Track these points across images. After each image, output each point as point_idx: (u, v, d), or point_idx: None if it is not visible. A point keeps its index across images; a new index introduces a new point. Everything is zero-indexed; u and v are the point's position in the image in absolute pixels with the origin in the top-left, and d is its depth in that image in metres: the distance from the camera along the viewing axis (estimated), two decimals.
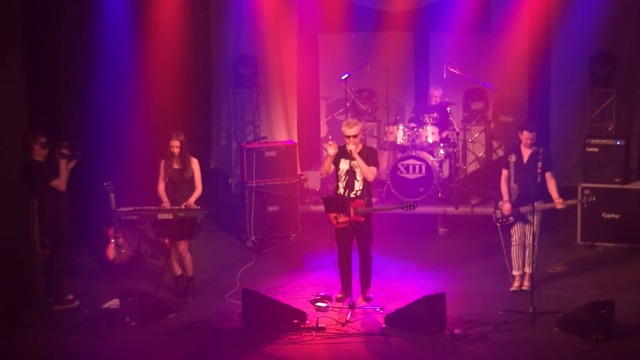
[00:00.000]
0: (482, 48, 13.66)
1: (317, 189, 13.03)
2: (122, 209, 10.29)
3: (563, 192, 10.16)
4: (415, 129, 12.87)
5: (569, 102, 13.50)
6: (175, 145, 10.16)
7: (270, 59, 14.27)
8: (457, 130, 13.14)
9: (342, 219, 9.64)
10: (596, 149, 11.89)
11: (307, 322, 9.29)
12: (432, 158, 12.80)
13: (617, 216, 11.65)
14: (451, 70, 13.15)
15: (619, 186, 11.68)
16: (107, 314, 9.64)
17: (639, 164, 12.68)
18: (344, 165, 9.74)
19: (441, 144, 12.94)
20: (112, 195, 10.71)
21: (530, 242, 10.01)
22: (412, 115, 13.42)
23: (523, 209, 9.96)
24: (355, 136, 9.66)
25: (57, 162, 9.84)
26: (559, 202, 9.94)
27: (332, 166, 9.80)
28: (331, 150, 9.69)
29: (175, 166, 10.24)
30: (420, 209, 10.64)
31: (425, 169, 12.60)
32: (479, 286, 10.41)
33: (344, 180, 9.73)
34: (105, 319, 9.45)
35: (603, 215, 11.70)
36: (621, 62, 13.15)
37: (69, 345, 9.01)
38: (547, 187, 9.96)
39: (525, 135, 9.95)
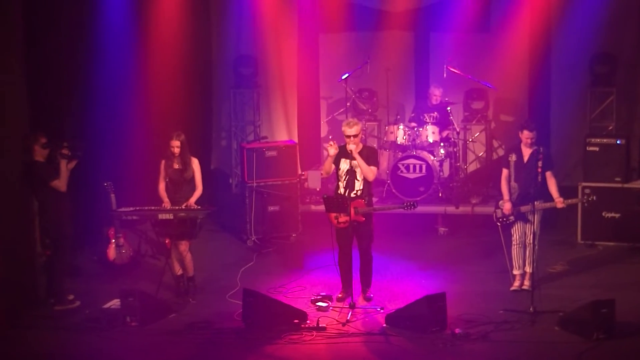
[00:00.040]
0: (483, 48, 13.66)
1: (318, 189, 13.03)
2: (123, 209, 10.29)
3: (563, 192, 10.16)
4: (415, 129, 12.87)
5: (569, 101, 13.50)
6: (176, 145, 10.16)
7: (271, 59, 14.27)
8: (458, 129, 13.14)
9: (343, 218, 9.64)
10: (596, 148, 11.89)
11: (308, 322, 9.29)
12: (432, 157, 12.80)
13: (617, 215, 11.64)
14: (451, 69, 13.15)
15: (619, 185, 11.67)
16: (107, 314, 9.64)
17: None
18: (344, 165, 9.74)
19: (441, 144, 12.94)
20: (112, 195, 10.71)
21: (531, 241, 10.01)
22: (413, 114, 13.42)
23: (523, 208, 9.96)
24: (355, 136, 9.66)
25: (57, 163, 9.85)
26: (559, 202, 9.94)
27: (333, 166, 9.80)
28: (332, 150, 9.69)
29: (176, 166, 10.24)
30: (420, 209, 10.63)
31: (425, 168, 12.60)
32: (479, 285, 10.40)
33: (345, 180, 9.73)
34: (105, 319, 9.45)
35: (603, 214, 11.70)
36: (621, 61, 13.16)
37: (70, 345, 9.01)
38: (547, 187, 9.96)
39: (526, 135, 9.95)
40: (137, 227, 11.89)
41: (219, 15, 14.30)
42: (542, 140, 10.86)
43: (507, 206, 10.04)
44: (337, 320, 9.36)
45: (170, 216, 9.98)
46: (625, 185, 11.68)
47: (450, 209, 12.54)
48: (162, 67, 12.74)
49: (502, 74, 13.46)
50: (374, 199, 10.09)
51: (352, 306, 9.54)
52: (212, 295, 10.26)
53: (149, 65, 12.59)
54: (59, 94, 11.20)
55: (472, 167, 13.84)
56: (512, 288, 10.13)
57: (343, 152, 9.71)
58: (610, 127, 13.03)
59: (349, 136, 9.64)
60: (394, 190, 12.68)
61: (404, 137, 12.84)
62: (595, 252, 11.60)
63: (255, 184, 12.12)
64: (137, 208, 10.21)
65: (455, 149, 13.04)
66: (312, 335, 9.01)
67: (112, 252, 11.14)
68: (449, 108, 13.11)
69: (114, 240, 11.14)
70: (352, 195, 9.68)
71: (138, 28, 12.54)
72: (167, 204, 10.17)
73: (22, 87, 9.90)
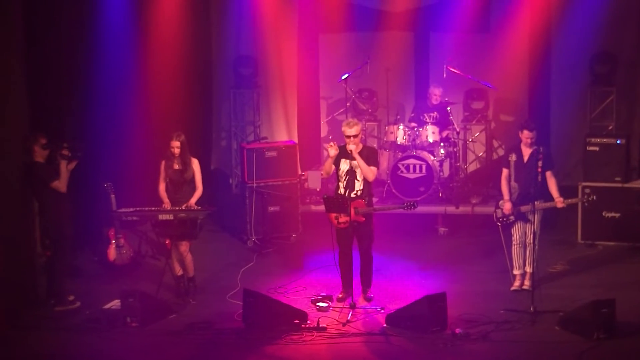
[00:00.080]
0: (482, 48, 13.66)
1: (318, 189, 13.03)
2: (123, 210, 10.29)
3: (563, 191, 10.16)
4: (415, 129, 12.87)
5: (569, 101, 13.51)
6: (176, 145, 10.16)
7: (271, 59, 14.27)
8: (458, 129, 13.14)
9: (343, 218, 9.63)
10: (596, 148, 11.88)
11: (308, 322, 9.29)
12: (432, 157, 12.80)
13: (617, 215, 11.64)
14: (451, 69, 13.15)
15: (619, 185, 11.67)
16: (108, 314, 9.64)
17: None
18: (344, 165, 9.74)
19: (441, 144, 12.94)
20: (112, 196, 10.70)
21: (531, 241, 10.01)
22: (413, 114, 13.42)
23: (524, 208, 9.96)
24: (355, 136, 9.66)
25: (57, 163, 9.85)
26: (559, 201, 9.94)
27: (333, 167, 9.80)
28: (332, 151, 9.69)
29: (176, 167, 10.23)
30: (420, 209, 10.63)
31: (425, 168, 12.59)
32: (479, 285, 10.40)
33: (345, 180, 9.73)
34: (106, 320, 9.44)
35: (604, 214, 11.70)
36: (621, 61, 13.16)
37: (70, 346, 9.00)
38: (547, 186, 9.96)
39: (526, 135, 9.95)
40: (137, 227, 11.88)
41: (218, 15, 14.30)
42: (542, 140, 10.86)
43: (507, 206, 10.04)
44: (337, 321, 9.36)
45: (170, 217, 9.98)
46: (625, 185, 11.68)
47: (451, 209, 12.54)
48: (162, 67, 12.74)
49: (502, 74, 13.46)
50: (374, 199, 10.09)
51: (353, 306, 9.54)
52: (212, 295, 10.25)
53: (149, 66, 12.59)
54: (59, 94, 11.19)
55: (472, 167, 13.84)
56: (513, 288, 10.13)
57: (343, 153, 9.71)
58: (610, 127, 13.03)
59: (349, 136, 9.64)
60: (394, 191, 12.68)
61: (404, 137, 12.83)
62: (595, 251, 11.61)
63: (255, 185, 12.12)
64: (137, 209, 10.21)
65: (455, 149, 13.04)
66: (313, 335, 9.00)
67: (112, 253, 11.13)
68: (449, 108, 13.11)
69: (114, 241, 11.13)
70: (352, 195, 9.67)
71: (138, 28, 12.53)
72: (167, 204, 10.16)
73: (22, 88, 9.89)
